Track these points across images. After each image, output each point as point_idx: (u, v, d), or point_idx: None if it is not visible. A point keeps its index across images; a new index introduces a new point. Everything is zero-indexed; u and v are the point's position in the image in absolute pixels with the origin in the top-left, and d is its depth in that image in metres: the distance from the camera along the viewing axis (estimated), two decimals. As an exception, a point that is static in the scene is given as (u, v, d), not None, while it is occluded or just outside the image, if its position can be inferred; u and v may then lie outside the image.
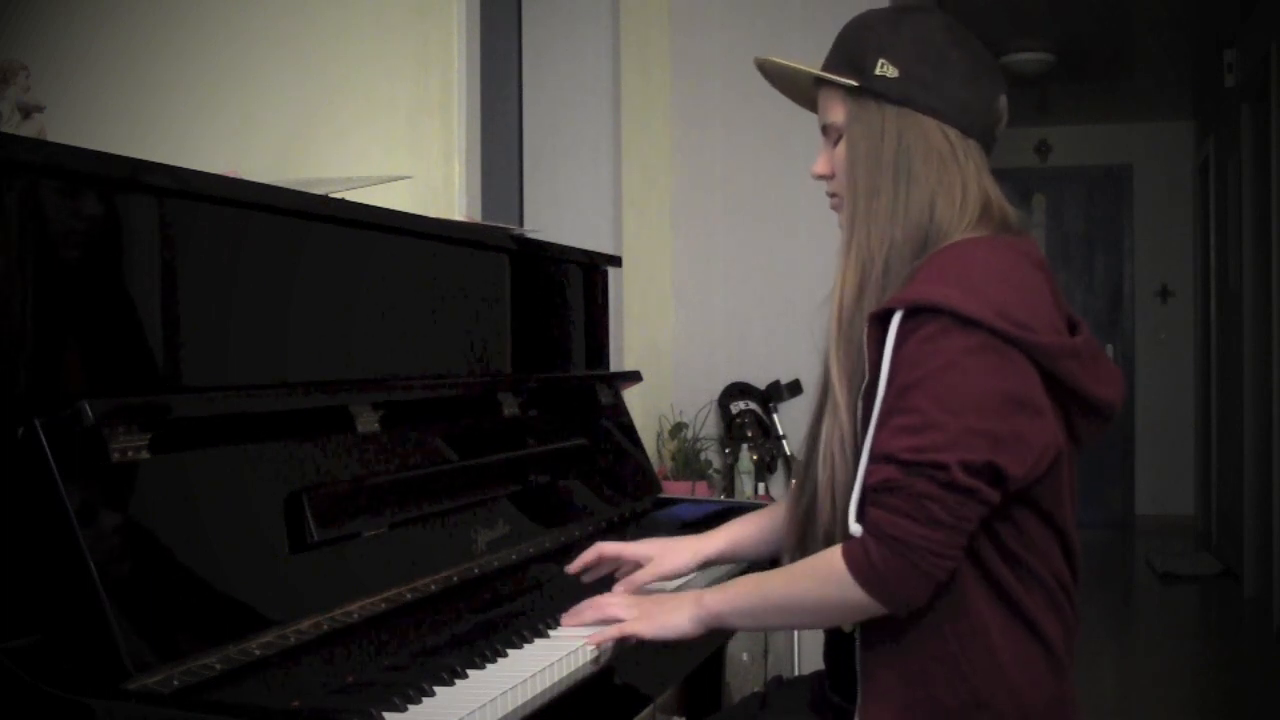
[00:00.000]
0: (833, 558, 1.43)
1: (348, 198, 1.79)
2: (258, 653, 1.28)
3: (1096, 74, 7.33)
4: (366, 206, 1.76)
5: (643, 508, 2.32)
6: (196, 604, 1.25)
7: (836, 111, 1.57)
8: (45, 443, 1.17)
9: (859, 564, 1.40)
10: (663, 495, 2.45)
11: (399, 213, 1.89)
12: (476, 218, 2.83)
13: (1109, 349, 8.65)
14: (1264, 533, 5.79)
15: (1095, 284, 8.77)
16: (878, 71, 1.52)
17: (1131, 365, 8.64)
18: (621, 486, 2.28)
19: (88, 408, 1.18)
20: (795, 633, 3.84)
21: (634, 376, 2.53)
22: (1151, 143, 8.66)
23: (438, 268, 1.93)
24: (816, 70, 1.58)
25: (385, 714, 1.20)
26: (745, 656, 3.76)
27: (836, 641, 1.60)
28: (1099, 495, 8.51)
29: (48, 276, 1.25)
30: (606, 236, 3.71)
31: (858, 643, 1.51)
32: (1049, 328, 1.44)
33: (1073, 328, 1.52)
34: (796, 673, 3.75)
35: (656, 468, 2.92)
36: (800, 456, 1.63)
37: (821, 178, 1.61)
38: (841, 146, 1.56)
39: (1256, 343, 6.08)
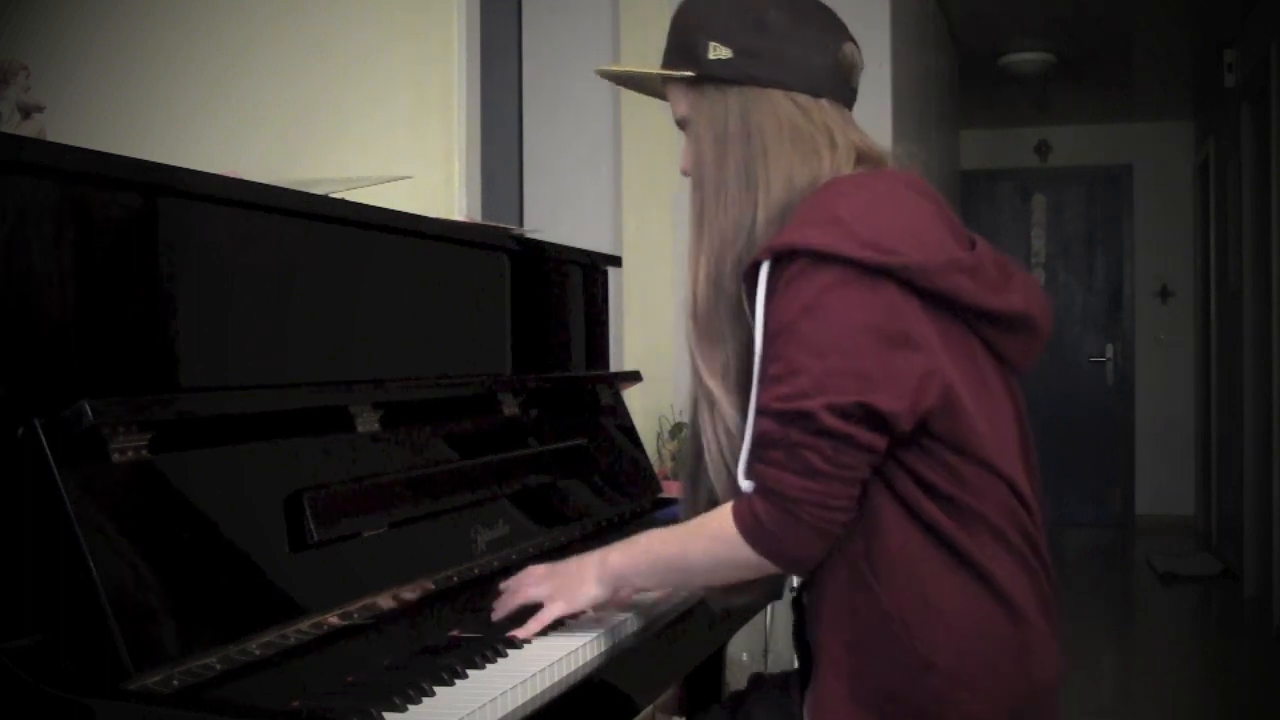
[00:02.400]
0: (724, 516, 1.39)
1: (348, 198, 1.79)
2: (258, 653, 1.28)
3: (1096, 74, 7.33)
4: (366, 206, 1.76)
5: (643, 508, 2.32)
6: (196, 604, 1.25)
7: (682, 105, 1.52)
8: (45, 443, 1.17)
9: (746, 521, 1.37)
10: (663, 495, 2.45)
11: (399, 213, 1.89)
12: (476, 218, 2.84)
13: (1109, 349, 8.65)
14: (1264, 533, 5.79)
15: (1095, 284, 8.77)
16: (711, 55, 1.47)
17: (1131, 365, 8.64)
18: (621, 487, 2.28)
19: (88, 408, 1.17)
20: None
21: (634, 376, 2.53)
22: (1151, 143, 8.66)
23: (438, 268, 1.93)
24: (654, 69, 1.54)
25: (385, 714, 1.20)
26: (745, 656, 3.76)
27: (798, 614, 1.55)
28: (1099, 495, 8.52)
29: (46, 276, 1.25)
30: (606, 236, 3.71)
31: (807, 611, 1.47)
32: (929, 247, 1.37)
33: (973, 246, 1.46)
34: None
35: (656, 468, 2.92)
36: (683, 478, 1.58)
37: (687, 174, 1.55)
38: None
39: (1256, 343, 6.07)
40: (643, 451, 2.46)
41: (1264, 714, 4.45)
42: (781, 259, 1.37)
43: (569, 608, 1.52)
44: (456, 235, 2.02)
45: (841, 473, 1.33)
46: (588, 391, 2.34)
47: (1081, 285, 8.75)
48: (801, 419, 1.32)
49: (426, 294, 1.89)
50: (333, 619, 1.41)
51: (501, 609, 1.56)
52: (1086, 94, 7.82)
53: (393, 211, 1.85)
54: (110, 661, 1.14)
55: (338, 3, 2.42)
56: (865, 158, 1.49)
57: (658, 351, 4.06)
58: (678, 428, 3.95)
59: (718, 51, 1.47)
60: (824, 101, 1.48)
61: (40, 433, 1.17)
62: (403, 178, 2.23)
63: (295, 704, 1.24)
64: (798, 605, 1.55)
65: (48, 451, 1.16)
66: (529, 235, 2.26)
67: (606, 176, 3.77)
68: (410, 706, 1.24)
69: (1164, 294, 8.67)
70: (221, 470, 1.36)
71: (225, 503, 1.35)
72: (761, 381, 1.38)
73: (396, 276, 1.81)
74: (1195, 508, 8.32)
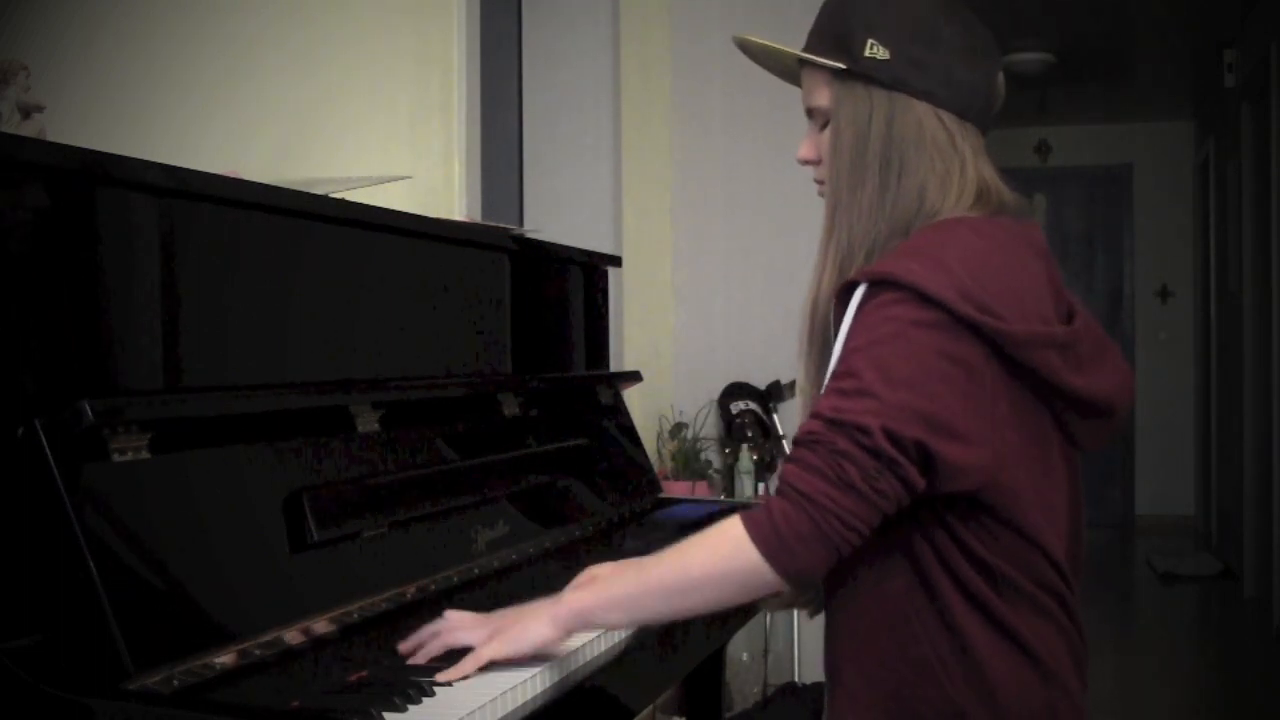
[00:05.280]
0: (731, 520, 1.33)
1: (348, 198, 1.79)
2: (258, 653, 1.28)
3: (1096, 74, 7.33)
4: (366, 206, 1.76)
5: (643, 508, 2.32)
6: (196, 604, 1.25)
7: (822, 94, 1.48)
8: (45, 443, 1.17)
9: (758, 522, 1.30)
10: (663, 495, 2.45)
11: (399, 213, 1.89)
12: (476, 218, 2.84)
13: (1109, 349, 8.65)
14: (1264, 533, 5.79)
15: (1095, 284, 8.77)
16: (867, 53, 1.43)
17: (1131, 365, 8.62)
18: (621, 487, 2.28)
19: (88, 408, 1.17)
20: (795, 634, 3.84)
21: (634, 376, 2.53)
22: (1151, 143, 8.66)
23: (438, 268, 1.93)
24: (798, 51, 1.50)
25: (385, 714, 1.20)
26: (745, 656, 3.76)
27: None
28: (1099, 495, 8.51)
29: (47, 276, 1.25)
30: (606, 236, 3.71)
31: (825, 639, 1.44)
32: (1029, 315, 1.35)
33: (1071, 319, 1.43)
34: (796, 675, 3.75)
35: (656, 468, 2.92)
36: None
37: (807, 163, 1.52)
38: (828, 131, 1.48)
39: (1256, 343, 6.07)
40: (643, 451, 2.46)
41: (1264, 714, 4.45)
42: (879, 285, 1.35)
43: (509, 650, 1.37)
44: (456, 235, 2.02)
45: (872, 495, 1.28)
46: (588, 391, 2.34)
47: (1081, 285, 8.75)
48: (855, 431, 1.28)
49: (426, 294, 1.89)
50: (333, 619, 1.41)
51: (424, 654, 1.40)
52: (1086, 94, 7.82)
53: (393, 211, 1.85)
54: (110, 661, 1.14)
55: (338, 3, 2.42)
56: (984, 196, 1.45)
57: (658, 351, 4.06)
58: (678, 428, 3.95)
59: (875, 50, 1.42)
60: (969, 125, 1.46)
61: (40, 433, 1.17)
62: (403, 178, 2.23)
63: (295, 704, 1.24)
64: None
65: (48, 451, 1.16)
66: (529, 235, 2.26)
67: (606, 176, 3.77)
68: (410, 706, 1.24)
69: (1164, 294, 8.68)
70: (221, 470, 1.36)
71: (225, 503, 1.35)
72: (826, 392, 1.35)
73: (396, 276, 1.81)
74: (1195, 508, 8.32)
